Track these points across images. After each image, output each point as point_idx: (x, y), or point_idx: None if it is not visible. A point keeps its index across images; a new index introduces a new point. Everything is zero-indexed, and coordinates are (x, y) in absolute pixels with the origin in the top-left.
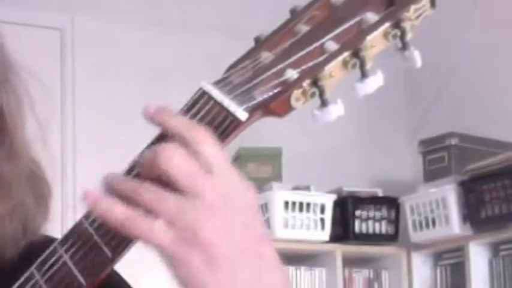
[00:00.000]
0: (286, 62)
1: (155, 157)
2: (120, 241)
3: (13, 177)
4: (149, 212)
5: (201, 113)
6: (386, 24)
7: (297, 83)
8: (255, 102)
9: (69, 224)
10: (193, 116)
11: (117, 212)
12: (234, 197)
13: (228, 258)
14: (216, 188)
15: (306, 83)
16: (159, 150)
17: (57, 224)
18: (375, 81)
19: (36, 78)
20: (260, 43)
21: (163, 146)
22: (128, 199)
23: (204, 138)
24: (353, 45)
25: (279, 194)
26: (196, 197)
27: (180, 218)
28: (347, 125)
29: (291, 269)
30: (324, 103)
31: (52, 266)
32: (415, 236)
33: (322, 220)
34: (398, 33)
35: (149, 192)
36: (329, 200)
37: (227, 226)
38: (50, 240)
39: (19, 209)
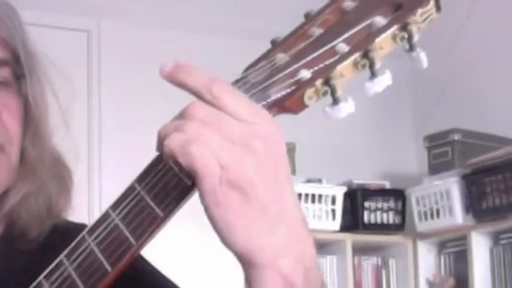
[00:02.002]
0: (300, 63)
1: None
2: (145, 229)
3: (37, 161)
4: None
5: None
6: (395, 27)
7: (310, 82)
8: (270, 100)
9: (96, 214)
10: None
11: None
12: (266, 141)
13: (260, 198)
14: (248, 133)
15: (318, 82)
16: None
17: (84, 214)
18: (384, 81)
19: (59, 70)
20: (276, 45)
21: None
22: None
23: (225, 93)
24: (363, 47)
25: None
26: (233, 142)
27: (224, 159)
28: (357, 122)
29: None
30: (335, 101)
31: (80, 254)
32: (421, 226)
33: (333, 211)
34: (406, 35)
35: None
36: (340, 192)
37: (262, 168)
38: (73, 224)
39: (43, 191)
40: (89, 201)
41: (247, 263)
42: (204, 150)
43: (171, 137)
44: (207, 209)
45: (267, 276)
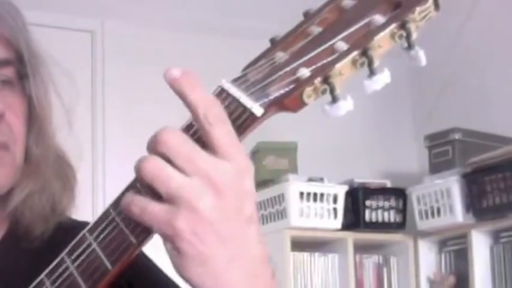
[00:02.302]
0: (299, 61)
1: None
2: (144, 229)
3: (41, 159)
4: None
5: None
6: (393, 26)
7: (309, 80)
8: (269, 98)
9: (99, 212)
10: None
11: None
12: (233, 180)
13: (218, 235)
14: (219, 171)
15: (317, 81)
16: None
17: (89, 212)
18: (382, 79)
19: (63, 70)
20: (275, 44)
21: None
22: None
23: (219, 122)
24: (362, 45)
25: (295, 185)
26: (201, 177)
27: (183, 195)
28: (358, 122)
29: (306, 255)
30: (334, 99)
31: (82, 252)
32: (421, 224)
33: (335, 209)
34: (404, 33)
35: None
36: (341, 191)
37: (224, 206)
38: (77, 223)
39: (47, 189)
40: (93, 200)
41: None
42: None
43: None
44: (165, 247)
45: None
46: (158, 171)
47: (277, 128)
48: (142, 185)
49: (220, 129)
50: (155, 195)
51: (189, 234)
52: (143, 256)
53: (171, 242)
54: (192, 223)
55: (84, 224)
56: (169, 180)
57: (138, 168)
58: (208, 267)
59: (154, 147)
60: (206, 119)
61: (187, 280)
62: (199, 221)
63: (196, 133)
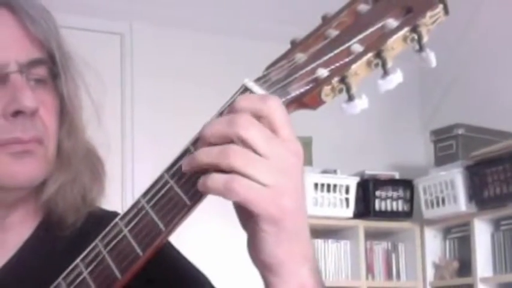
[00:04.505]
0: (318, 62)
1: (232, 125)
2: (173, 216)
3: (72, 152)
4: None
5: None
6: (405, 29)
7: (327, 80)
8: (290, 96)
9: (129, 202)
10: None
11: (216, 178)
12: (299, 161)
13: (292, 211)
14: (288, 151)
15: (334, 80)
16: (236, 119)
17: (118, 202)
18: (395, 79)
19: (91, 68)
20: (295, 45)
21: (239, 116)
22: (214, 166)
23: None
24: (376, 47)
25: (310, 177)
26: (275, 159)
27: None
28: (369, 117)
29: (320, 241)
30: (350, 98)
31: (113, 238)
32: (427, 213)
33: (347, 199)
34: (416, 36)
35: (238, 156)
36: (353, 182)
37: (295, 185)
38: (106, 212)
39: (78, 180)
40: (122, 191)
41: (273, 273)
42: (245, 186)
43: (212, 179)
44: (259, 228)
45: (289, 284)
46: (244, 154)
47: (293, 123)
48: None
49: (281, 115)
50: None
51: (292, 212)
52: (170, 245)
53: (275, 222)
54: (294, 201)
55: (113, 214)
56: (256, 165)
57: (218, 158)
58: (298, 239)
59: (232, 132)
60: (269, 108)
61: (270, 257)
62: (296, 199)
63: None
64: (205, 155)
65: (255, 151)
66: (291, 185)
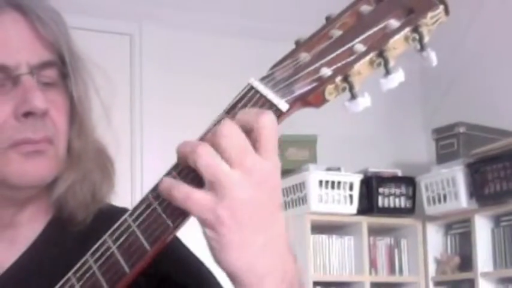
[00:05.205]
0: (322, 61)
1: (214, 132)
2: (180, 212)
3: (82, 151)
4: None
5: (249, 105)
6: (407, 29)
7: (330, 79)
8: (294, 95)
9: (138, 198)
10: (242, 107)
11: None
12: (271, 177)
13: (255, 222)
14: (260, 169)
15: (338, 79)
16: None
17: (128, 199)
18: (397, 78)
19: (101, 69)
20: (299, 45)
21: (223, 124)
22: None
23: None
24: (378, 47)
25: (315, 174)
26: (245, 172)
27: (227, 184)
28: (372, 116)
29: (324, 237)
30: (353, 96)
31: (122, 234)
32: (429, 210)
33: (351, 196)
34: (417, 36)
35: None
36: (356, 179)
37: (261, 197)
38: (115, 208)
39: (88, 178)
40: (132, 188)
41: (237, 283)
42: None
43: (162, 181)
44: (204, 233)
45: None
46: (210, 158)
47: (298, 121)
48: (182, 172)
49: (268, 133)
50: (191, 183)
51: (229, 220)
52: (178, 240)
53: (212, 228)
54: (233, 210)
55: (122, 210)
56: (217, 169)
57: (187, 153)
58: (245, 251)
59: (213, 137)
60: (258, 123)
61: (224, 265)
62: (240, 209)
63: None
64: (183, 146)
65: (224, 158)
66: (244, 198)
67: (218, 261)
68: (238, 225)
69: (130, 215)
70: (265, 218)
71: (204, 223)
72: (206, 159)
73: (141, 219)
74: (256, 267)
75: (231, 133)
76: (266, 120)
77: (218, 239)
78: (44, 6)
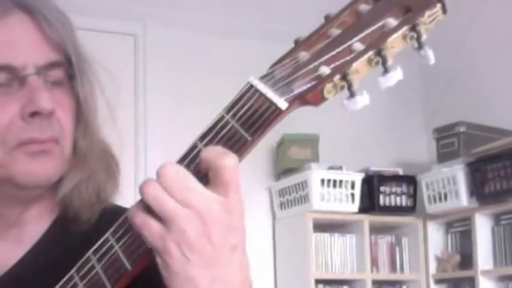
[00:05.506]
0: (320, 60)
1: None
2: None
3: (87, 151)
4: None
5: (249, 103)
6: (405, 28)
7: (329, 77)
8: (293, 93)
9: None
10: (242, 106)
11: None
12: (221, 216)
13: (202, 258)
14: (207, 207)
15: (336, 78)
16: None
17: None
18: (395, 76)
19: (106, 70)
20: (299, 44)
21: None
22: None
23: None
24: (376, 46)
25: (317, 173)
26: (191, 209)
27: (174, 220)
28: (374, 115)
29: (326, 235)
30: (352, 94)
31: (125, 232)
32: (430, 208)
33: (352, 195)
34: (415, 35)
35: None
36: (358, 178)
37: (210, 235)
38: (119, 208)
39: (93, 178)
40: (135, 187)
41: None
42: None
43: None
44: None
45: None
46: (156, 196)
47: (300, 121)
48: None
49: (229, 172)
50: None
51: (176, 253)
52: None
53: (161, 257)
54: (180, 244)
55: (126, 210)
56: (164, 206)
57: (140, 190)
58: (192, 284)
59: (157, 177)
60: (220, 163)
61: None
62: (187, 243)
63: (193, 162)
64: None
65: (172, 196)
66: (192, 234)
67: (167, 285)
68: (185, 258)
69: None
70: (215, 255)
71: (155, 250)
72: (151, 196)
73: None
74: None
75: (171, 173)
76: (227, 161)
77: (166, 267)
78: (50, 7)
